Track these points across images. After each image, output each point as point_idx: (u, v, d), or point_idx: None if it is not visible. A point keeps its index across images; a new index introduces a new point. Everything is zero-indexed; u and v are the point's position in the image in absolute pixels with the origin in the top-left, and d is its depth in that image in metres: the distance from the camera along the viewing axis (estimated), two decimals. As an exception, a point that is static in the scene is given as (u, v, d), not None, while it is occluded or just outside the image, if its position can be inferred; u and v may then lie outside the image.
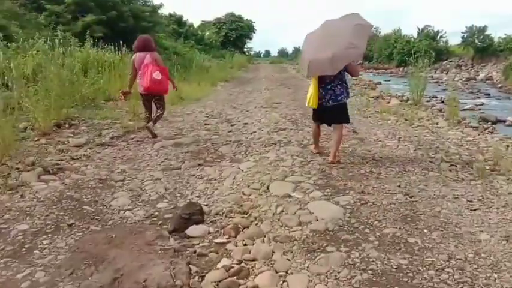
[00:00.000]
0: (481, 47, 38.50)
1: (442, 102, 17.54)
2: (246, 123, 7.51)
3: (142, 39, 6.02)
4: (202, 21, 53.88)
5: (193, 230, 3.05)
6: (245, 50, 59.43)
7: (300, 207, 3.46)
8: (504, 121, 12.91)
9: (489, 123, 8.00)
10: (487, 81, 29.67)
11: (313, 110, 4.95)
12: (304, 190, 3.85)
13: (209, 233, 3.05)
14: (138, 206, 3.58)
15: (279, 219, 3.24)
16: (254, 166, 4.72)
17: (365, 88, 16.41)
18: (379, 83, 24.37)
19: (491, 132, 7.21)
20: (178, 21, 38.10)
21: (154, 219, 3.31)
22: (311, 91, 4.76)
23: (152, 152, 5.39)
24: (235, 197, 3.74)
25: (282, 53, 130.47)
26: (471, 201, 3.61)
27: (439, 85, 26.00)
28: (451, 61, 41.25)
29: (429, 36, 44.29)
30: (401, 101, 11.92)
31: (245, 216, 3.34)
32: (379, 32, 56.96)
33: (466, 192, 3.86)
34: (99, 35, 15.88)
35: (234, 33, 52.86)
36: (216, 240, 2.92)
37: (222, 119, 8.08)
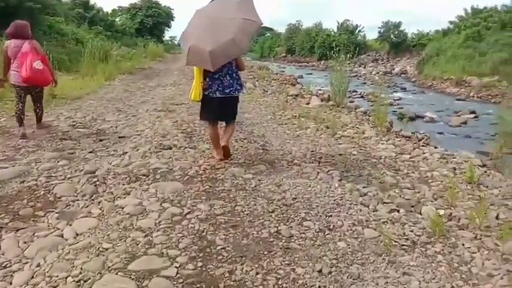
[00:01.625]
0: (396, 41, 39.85)
1: (362, 97, 17.01)
2: (122, 137, 5.53)
3: (19, 25, 5.39)
4: (119, 6, 49.55)
5: None
6: (168, 38, 56.12)
7: None
8: (423, 117, 12.41)
9: (422, 133, 6.83)
10: (402, 75, 30.58)
11: (201, 106, 4.35)
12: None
13: None
14: None
15: None
16: (90, 231, 2.82)
17: (284, 84, 15.05)
18: (301, 77, 23.68)
19: (427, 144, 6.04)
20: (84, 4, 34.05)
21: None
22: (194, 83, 4.20)
23: None
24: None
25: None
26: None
27: (358, 79, 26.09)
28: (368, 55, 42.23)
29: (348, 30, 44.93)
30: (322, 100, 10.65)
31: None
32: (301, 26, 57.07)
33: (425, 278, 2.36)
34: (-34, 16, 12.79)
35: (150, 20, 49.24)
36: None
37: (92, 129, 5.98)
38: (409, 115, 11.21)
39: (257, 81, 14.86)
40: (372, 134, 6.34)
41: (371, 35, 63.65)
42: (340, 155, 4.97)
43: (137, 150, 4.77)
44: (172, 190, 3.52)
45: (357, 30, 45.32)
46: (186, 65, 4.26)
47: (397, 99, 17.09)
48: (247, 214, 3.10)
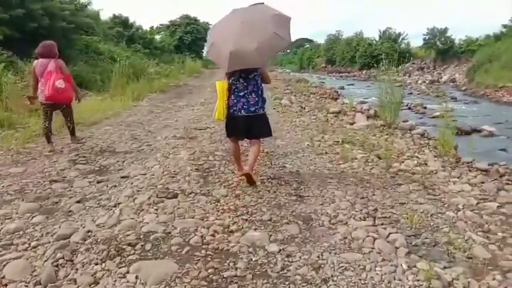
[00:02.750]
0: (442, 48, 37.70)
1: (409, 108, 15.33)
2: (124, 177, 4.52)
3: (46, 44, 5.67)
4: (160, 24, 50.36)
5: None
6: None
7: None
8: (479, 131, 10.61)
9: (503, 165, 5.31)
10: (451, 84, 28.41)
11: (226, 123, 4.20)
12: None
13: None
14: None
15: None
16: None
17: (324, 98, 13.77)
18: (342, 88, 22.48)
19: (513, 181, 4.60)
20: (124, 23, 34.50)
21: None
22: (218, 102, 4.08)
23: None
24: None
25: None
26: None
27: (404, 88, 24.22)
28: (413, 63, 40.10)
29: (391, 38, 43.07)
30: (368, 118, 9.28)
31: None
32: (341, 35, 55.49)
33: None
34: (-2, 37, 12.66)
35: (189, 37, 49.67)
36: None
37: (94, 165, 5.03)
38: (464, 129, 9.80)
39: (294, 95, 13.71)
40: (437, 167, 4.99)
41: (415, 42, 60.97)
42: (402, 204, 3.68)
43: (134, 199, 3.71)
44: (159, 277, 2.41)
45: (400, 38, 43.38)
46: (227, 72, 3.99)
47: (448, 111, 15.30)
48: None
